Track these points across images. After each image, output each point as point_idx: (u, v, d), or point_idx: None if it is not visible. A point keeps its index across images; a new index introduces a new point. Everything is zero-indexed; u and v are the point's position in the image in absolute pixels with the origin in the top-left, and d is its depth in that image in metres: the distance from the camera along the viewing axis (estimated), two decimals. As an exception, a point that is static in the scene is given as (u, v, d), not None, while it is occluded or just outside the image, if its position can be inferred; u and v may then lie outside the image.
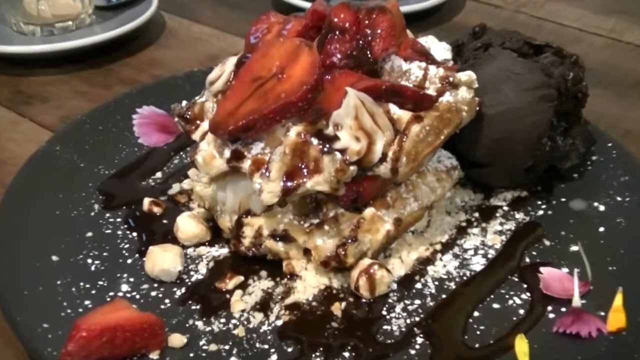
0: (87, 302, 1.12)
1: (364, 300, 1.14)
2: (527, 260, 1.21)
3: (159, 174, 1.41)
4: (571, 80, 1.30)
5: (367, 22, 1.22)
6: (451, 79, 1.18)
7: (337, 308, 1.13)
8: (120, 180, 1.39)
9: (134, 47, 1.93)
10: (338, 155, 1.09)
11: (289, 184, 1.10)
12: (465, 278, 1.18)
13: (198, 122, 1.24)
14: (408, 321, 1.10)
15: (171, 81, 1.63)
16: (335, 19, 1.22)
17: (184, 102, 1.27)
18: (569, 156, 1.33)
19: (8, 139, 1.58)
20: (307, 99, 1.11)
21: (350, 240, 1.14)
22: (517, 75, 1.28)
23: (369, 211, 1.15)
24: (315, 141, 1.10)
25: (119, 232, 1.27)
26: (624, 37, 1.98)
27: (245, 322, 1.11)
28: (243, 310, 1.13)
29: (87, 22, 1.93)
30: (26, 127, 1.64)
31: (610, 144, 1.41)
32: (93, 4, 1.96)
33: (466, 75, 1.20)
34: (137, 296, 1.15)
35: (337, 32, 1.22)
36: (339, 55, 1.20)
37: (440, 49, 1.30)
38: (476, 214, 1.31)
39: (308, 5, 1.92)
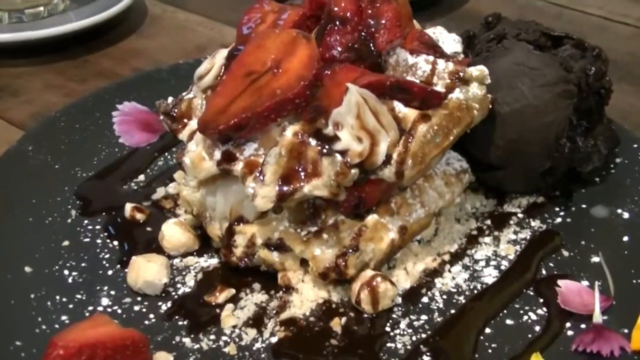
0: (64, 318, 1.15)
1: (365, 316, 1.17)
2: (544, 272, 1.23)
3: (141, 177, 1.44)
4: (593, 75, 1.32)
5: (370, 11, 1.25)
6: (461, 74, 1.20)
7: (337, 324, 1.15)
8: (100, 184, 1.41)
9: (113, 36, 1.96)
10: (338, 157, 1.11)
11: (285, 188, 1.12)
12: (475, 292, 1.21)
13: (185, 120, 1.27)
14: (414, 338, 1.13)
15: (155, 74, 1.66)
16: (336, 8, 1.25)
17: (170, 99, 1.30)
18: (590, 158, 1.35)
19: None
20: (305, 95, 1.13)
21: (351, 250, 1.17)
22: (533, 70, 1.30)
23: (371, 218, 1.18)
24: (313, 142, 1.12)
25: (99, 241, 1.29)
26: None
27: (237, 339, 1.13)
28: (234, 326, 1.15)
29: (60, 8, 1.96)
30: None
31: (635, 145, 1.44)
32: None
33: (478, 70, 1.22)
34: (119, 311, 1.17)
35: (338, 23, 1.24)
36: (339, 48, 1.23)
37: (450, 41, 1.33)
38: (488, 222, 1.34)
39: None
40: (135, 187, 1.42)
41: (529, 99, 1.28)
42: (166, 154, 1.49)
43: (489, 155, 1.31)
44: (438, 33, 1.35)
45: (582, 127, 1.34)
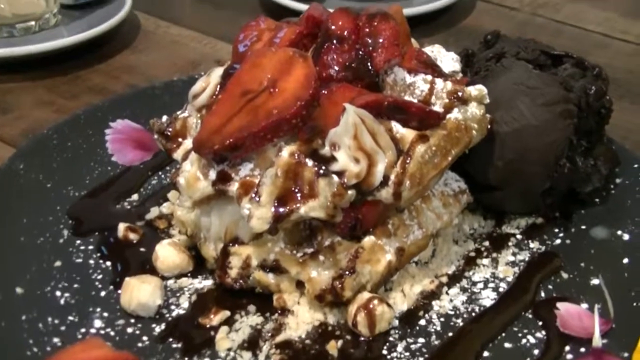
0: (55, 340, 1.16)
1: (362, 339, 1.18)
2: (543, 294, 1.25)
3: (135, 196, 1.45)
4: (593, 95, 1.35)
5: (367, 29, 1.28)
6: (460, 93, 1.22)
7: (333, 347, 1.17)
8: (92, 203, 1.43)
9: (104, 51, 1.98)
10: (335, 178, 1.13)
11: (281, 209, 1.14)
12: (473, 314, 1.22)
13: (180, 139, 1.29)
14: (411, 362, 1.15)
15: (148, 91, 1.68)
16: (333, 26, 1.28)
17: (164, 117, 1.32)
18: (590, 179, 1.37)
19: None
20: (301, 115, 1.15)
21: (347, 272, 1.19)
22: (533, 90, 1.33)
23: (368, 240, 1.20)
24: (310, 162, 1.14)
25: (91, 261, 1.31)
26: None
27: (232, 362, 1.16)
28: (229, 349, 1.17)
29: (52, 22, 1.98)
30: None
31: (636, 165, 1.46)
32: (59, 2, 2.01)
33: (477, 90, 1.24)
34: (112, 333, 1.19)
35: (335, 41, 1.27)
36: (336, 67, 1.25)
37: (448, 60, 1.35)
38: (486, 243, 1.36)
39: (298, 5, 2.00)
40: (129, 207, 1.43)
41: (528, 118, 1.31)
42: (160, 172, 1.50)
43: (487, 175, 1.33)
44: (436, 51, 1.37)
45: (582, 147, 1.36)
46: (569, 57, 1.42)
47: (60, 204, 1.41)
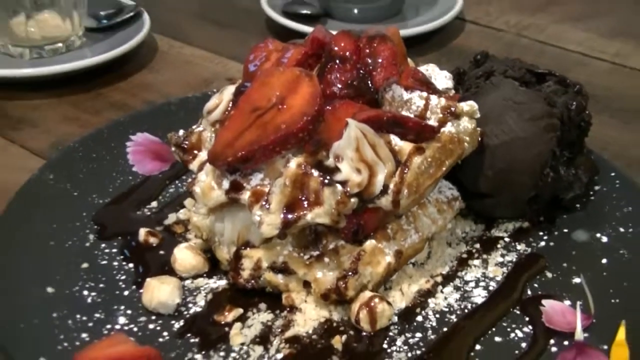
0: (84, 335, 1.18)
1: (364, 334, 1.20)
2: (529, 292, 1.26)
3: (154, 204, 1.47)
4: (574, 110, 1.36)
5: (367, 50, 1.30)
6: (453, 109, 1.23)
7: (338, 341, 1.18)
8: (115, 210, 1.44)
9: (124, 70, 1.99)
10: (339, 187, 1.15)
11: (289, 216, 1.16)
12: (466, 311, 1.24)
13: (195, 151, 1.30)
14: (409, 355, 1.16)
15: (165, 107, 1.69)
16: (336, 48, 1.29)
17: (181, 131, 1.33)
18: (572, 187, 1.39)
19: (-1, 167, 1.64)
20: (307, 130, 1.17)
21: (350, 273, 1.20)
22: (520, 105, 1.34)
23: (369, 243, 1.21)
24: (315, 173, 1.16)
25: (115, 263, 1.32)
26: (629, 61, 2.05)
27: (245, 356, 1.16)
28: (242, 344, 1.18)
29: (77, 44, 1.99)
30: (16, 152, 1.69)
31: (613, 174, 1.48)
32: (83, 25, 2.02)
33: (468, 106, 1.26)
34: (135, 329, 1.20)
35: (338, 61, 1.29)
36: (339, 85, 1.27)
37: (442, 78, 1.37)
38: (477, 245, 1.37)
39: (301, 27, 2.02)
40: (149, 213, 1.44)
41: (516, 132, 1.32)
42: (177, 181, 1.51)
43: (478, 184, 1.35)
44: (430, 70, 1.38)
45: (565, 158, 1.38)
46: (552, 75, 1.43)
47: (86, 210, 1.42)
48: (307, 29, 1.99)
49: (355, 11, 2.15)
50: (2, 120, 1.80)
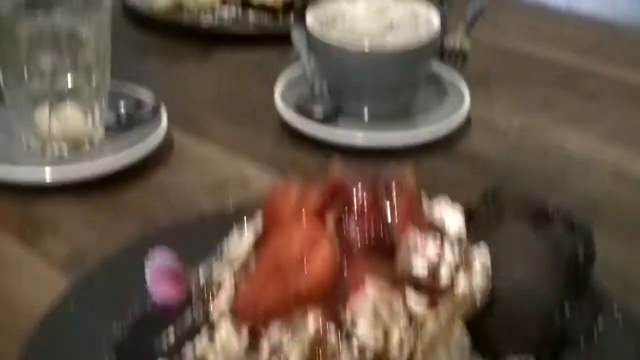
0: None
1: None
2: None
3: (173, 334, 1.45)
4: (582, 255, 1.37)
5: (385, 202, 1.30)
6: (466, 267, 1.25)
7: None
8: (136, 339, 1.43)
9: (142, 170, 1.99)
10: (356, 351, 1.15)
11: (306, 381, 1.16)
12: None
13: (215, 301, 1.31)
14: None
15: (181, 228, 1.68)
16: (354, 199, 1.30)
17: (202, 278, 1.34)
18: (577, 327, 1.39)
19: (19, 280, 1.63)
20: (326, 293, 1.18)
21: None
22: (530, 249, 1.35)
23: (383, 406, 1.21)
24: (333, 337, 1.17)
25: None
26: (631, 168, 2.05)
27: None
28: None
29: (97, 143, 1.99)
30: (36, 265, 1.68)
31: (616, 308, 1.46)
32: (104, 119, 2.02)
33: (481, 262, 1.27)
34: None
35: (355, 213, 1.29)
36: (357, 236, 1.27)
37: (453, 219, 1.38)
38: (487, 389, 1.37)
39: (312, 129, 2.03)
40: (168, 344, 1.43)
41: (524, 276, 1.33)
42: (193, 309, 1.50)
43: (487, 329, 1.35)
44: (442, 207, 1.39)
45: (571, 300, 1.38)
46: (560, 215, 1.43)
47: (106, 340, 1.40)
48: (317, 131, 2.03)
49: (366, 109, 2.15)
50: (24, 224, 1.80)
